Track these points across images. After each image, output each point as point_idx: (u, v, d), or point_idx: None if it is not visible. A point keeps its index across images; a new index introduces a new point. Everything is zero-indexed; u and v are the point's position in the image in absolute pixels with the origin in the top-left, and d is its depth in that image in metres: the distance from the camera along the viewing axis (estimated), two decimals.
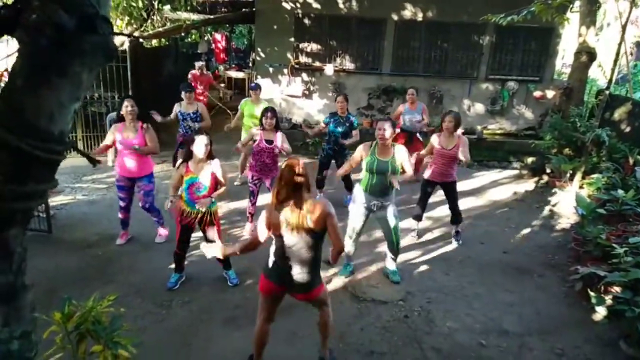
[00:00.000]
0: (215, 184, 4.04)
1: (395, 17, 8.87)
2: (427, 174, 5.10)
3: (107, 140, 4.74)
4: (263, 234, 2.82)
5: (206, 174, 3.96)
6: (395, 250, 4.39)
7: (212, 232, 4.11)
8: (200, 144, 3.87)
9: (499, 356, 3.49)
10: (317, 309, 3.15)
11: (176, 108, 6.25)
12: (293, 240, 2.73)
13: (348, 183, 5.96)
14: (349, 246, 4.42)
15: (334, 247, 2.83)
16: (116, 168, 4.83)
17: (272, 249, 2.88)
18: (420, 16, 8.87)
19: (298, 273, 2.81)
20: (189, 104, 6.20)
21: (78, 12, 1.02)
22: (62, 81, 1.06)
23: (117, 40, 9.28)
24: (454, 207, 5.21)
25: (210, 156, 4.00)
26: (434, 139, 4.96)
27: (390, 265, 4.50)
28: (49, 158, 1.11)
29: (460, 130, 5.02)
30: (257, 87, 6.65)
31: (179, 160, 4.13)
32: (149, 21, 10.53)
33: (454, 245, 5.25)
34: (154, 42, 11.34)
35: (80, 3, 1.02)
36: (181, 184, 3.97)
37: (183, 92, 6.17)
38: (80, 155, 1.27)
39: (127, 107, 4.58)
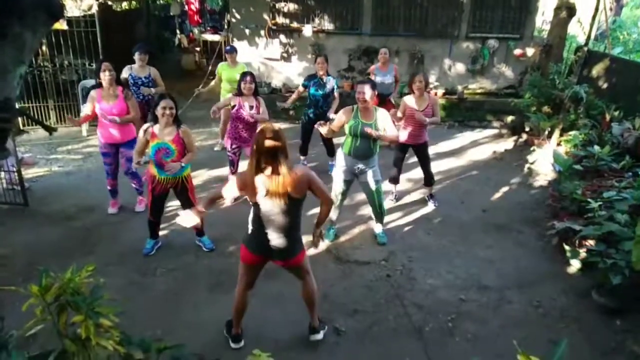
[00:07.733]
0: (184, 149, 3.92)
1: None
2: (401, 137, 5.08)
3: (87, 110, 4.55)
4: (230, 192, 2.82)
5: (173, 138, 3.84)
6: (379, 213, 4.43)
7: (187, 198, 4.07)
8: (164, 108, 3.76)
9: (479, 310, 3.60)
10: (299, 279, 3.12)
11: (126, 71, 5.77)
12: (270, 207, 2.69)
13: (330, 148, 5.91)
14: (332, 211, 4.46)
15: (323, 205, 2.87)
16: (99, 136, 4.70)
17: (250, 217, 2.86)
18: None
19: (276, 239, 2.79)
20: (141, 67, 5.79)
21: None
22: (2, 44, 0.97)
23: (85, 4, 8.86)
24: (427, 169, 5.20)
25: (176, 121, 3.89)
26: (408, 100, 4.91)
27: (377, 228, 4.55)
28: None
29: (441, 91, 4.99)
30: (233, 50, 6.50)
31: (144, 125, 3.92)
32: None
33: (432, 206, 5.31)
34: (124, 5, 10.83)
35: None
36: (146, 149, 3.87)
37: (137, 54, 5.71)
38: (35, 123, 1.20)
39: (104, 71, 4.39)
